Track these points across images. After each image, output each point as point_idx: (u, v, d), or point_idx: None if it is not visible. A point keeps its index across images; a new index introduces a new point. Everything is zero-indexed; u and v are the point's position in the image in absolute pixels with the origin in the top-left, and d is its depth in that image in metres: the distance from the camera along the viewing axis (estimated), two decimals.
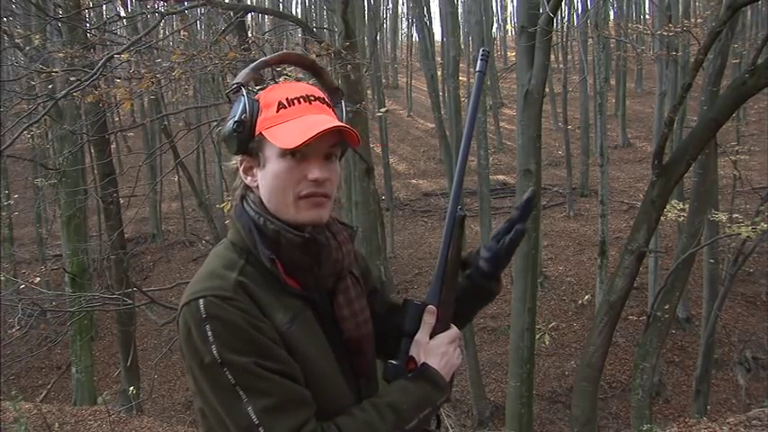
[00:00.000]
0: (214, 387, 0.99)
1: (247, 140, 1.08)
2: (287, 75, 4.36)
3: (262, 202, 1.10)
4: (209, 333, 0.98)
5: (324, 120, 1.07)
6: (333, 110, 1.14)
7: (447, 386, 1.14)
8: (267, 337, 1.00)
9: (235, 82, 1.12)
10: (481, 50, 1.27)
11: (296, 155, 1.06)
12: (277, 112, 1.07)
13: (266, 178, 1.08)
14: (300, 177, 1.06)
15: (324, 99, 1.12)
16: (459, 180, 1.22)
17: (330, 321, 1.12)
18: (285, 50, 1.22)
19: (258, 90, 1.14)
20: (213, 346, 0.97)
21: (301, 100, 1.08)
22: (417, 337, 1.15)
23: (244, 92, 1.10)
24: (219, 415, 1.00)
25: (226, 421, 1.00)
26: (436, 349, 1.15)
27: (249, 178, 1.12)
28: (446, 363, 1.15)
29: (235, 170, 1.14)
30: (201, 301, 1.00)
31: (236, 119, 1.07)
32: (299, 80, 4.51)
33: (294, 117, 1.06)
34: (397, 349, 1.16)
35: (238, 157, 1.12)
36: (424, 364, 1.13)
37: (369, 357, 1.19)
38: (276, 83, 1.19)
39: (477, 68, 1.27)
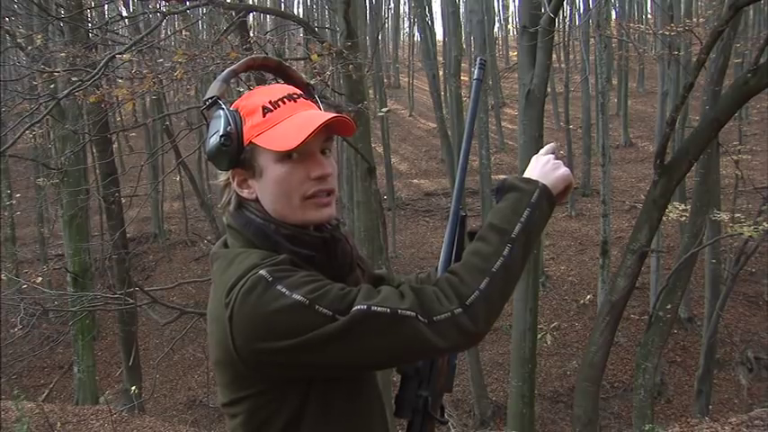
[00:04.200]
0: (312, 329, 0.92)
1: (237, 153, 1.03)
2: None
3: (265, 210, 1.06)
4: (284, 289, 0.93)
5: (316, 114, 1.04)
6: (316, 103, 1.11)
7: (536, 181, 1.13)
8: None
9: (208, 97, 1.08)
10: (479, 59, 1.28)
11: (294, 156, 1.02)
12: (264, 117, 1.03)
13: (266, 187, 1.04)
14: (303, 178, 1.03)
15: (304, 95, 1.09)
16: (460, 182, 1.22)
17: None
18: (251, 56, 1.19)
19: (231, 101, 1.11)
20: (294, 295, 0.92)
21: (285, 100, 1.05)
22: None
23: (222, 104, 1.06)
24: (341, 361, 0.96)
25: (340, 351, 0.93)
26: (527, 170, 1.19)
27: (246, 191, 1.07)
28: (541, 168, 1.17)
29: (224, 186, 1.10)
30: (263, 270, 0.95)
31: (221, 133, 1.02)
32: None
33: (283, 118, 1.03)
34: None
35: (229, 173, 1.08)
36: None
37: None
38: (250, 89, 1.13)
39: (475, 77, 1.27)
